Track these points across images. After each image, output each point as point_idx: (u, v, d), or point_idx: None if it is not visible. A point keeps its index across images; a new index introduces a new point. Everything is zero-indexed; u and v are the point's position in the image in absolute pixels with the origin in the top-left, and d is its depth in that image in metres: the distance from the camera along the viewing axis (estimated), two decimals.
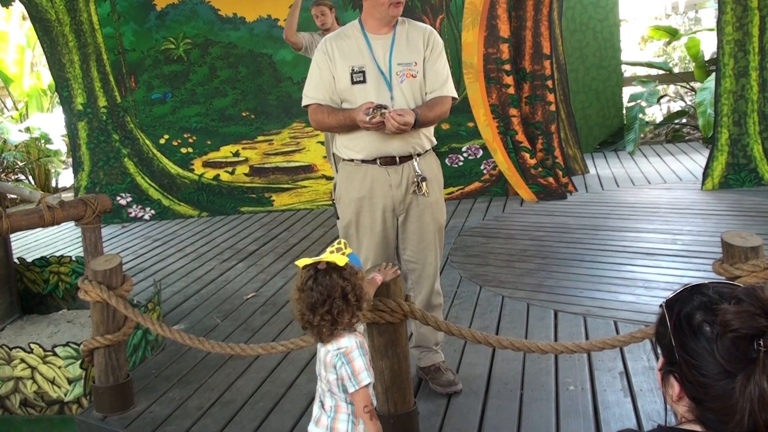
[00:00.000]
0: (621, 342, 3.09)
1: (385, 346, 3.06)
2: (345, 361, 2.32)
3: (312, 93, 3.48)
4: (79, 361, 3.82)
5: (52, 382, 3.87)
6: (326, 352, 2.37)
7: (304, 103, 3.51)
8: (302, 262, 2.32)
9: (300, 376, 3.94)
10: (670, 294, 1.41)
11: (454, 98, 3.56)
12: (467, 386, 3.62)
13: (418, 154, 3.47)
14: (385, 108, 3.23)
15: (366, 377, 2.32)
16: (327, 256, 2.31)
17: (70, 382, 3.86)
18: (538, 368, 3.76)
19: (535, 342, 3.13)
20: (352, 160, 3.48)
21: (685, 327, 1.33)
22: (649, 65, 11.95)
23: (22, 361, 3.88)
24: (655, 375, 3.52)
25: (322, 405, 2.45)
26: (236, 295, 5.45)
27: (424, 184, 3.46)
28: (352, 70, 3.39)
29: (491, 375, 3.75)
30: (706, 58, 10.90)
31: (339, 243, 2.38)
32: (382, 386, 3.09)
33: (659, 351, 1.41)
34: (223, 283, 5.76)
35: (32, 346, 3.88)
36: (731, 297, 1.33)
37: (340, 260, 2.31)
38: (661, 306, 1.39)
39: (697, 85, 10.89)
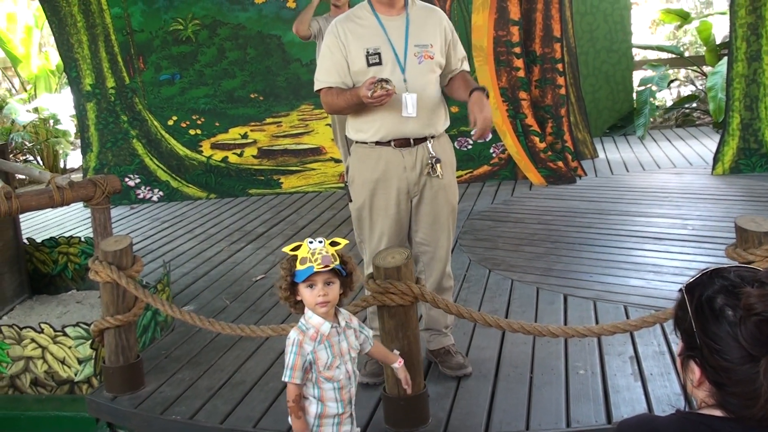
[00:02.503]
0: (632, 326, 3.09)
1: (396, 328, 3.06)
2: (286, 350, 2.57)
3: (324, 77, 3.45)
4: (89, 341, 3.83)
5: (63, 362, 3.88)
6: None
7: (316, 87, 3.49)
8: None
9: None
10: (689, 278, 1.40)
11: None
12: (477, 369, 3.62)
13: (433, 136, 3.45)
14: (388, 81, 3.19)
15: (286, 375, 2.52)
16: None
17: (80, 362, 3.86)
18: (547, 352, 3.76)
19: (546, 326, 3.12)
20: (365, 143, 3.46)
21: (707, 311, 1.31)
22: (660, 49, 11.87)
23: (33, 341, 3.89)
24: (666, 360, 3.52)
25: None
26: (245, 276, 5.45)
27: (438, 166, 3.44)
28: (368, 52, 3.36)
29: (501, 358, 3.75)
30: (718, 41, 10.81)
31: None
32: (393, 369, 3.09)
33: (678, 336, 1.39)
34: (232, 265, 5.76)
35: (42, 326, 3.89)
36: (753, 280, 1.31)
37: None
38: (680, 290, 1.38)
39: (708, 69, 10.81)
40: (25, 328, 3.91)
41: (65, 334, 3.85)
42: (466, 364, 3.61)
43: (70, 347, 3.86)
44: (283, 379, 2.52)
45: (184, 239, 6.69)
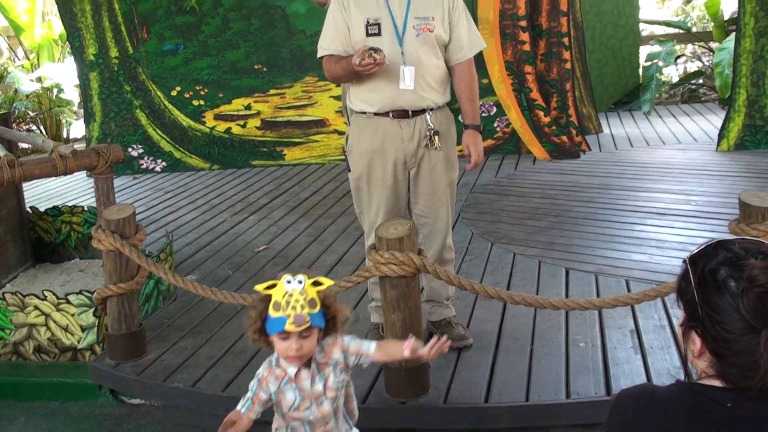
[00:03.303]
0: (634, 300, 3.09)
1: (397, 299, 3.06)
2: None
3: (327, 44, 3.45)
4: (92, 309, 3.84)
5: (65, 329, 3.89)
6: None
7: (319, 54, 3.48)
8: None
9: None
10: (693, 249, 1.39)
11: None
12: (478, 341, 3.64)
13: (431, 109, 3.44)
14: (377, 51, 3.18)
15: (242, 405, 2.31)
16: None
17: (83, 329, 3.88)
18: (548, 325, 3.77)
19: (548, 298, 3.13)
20: (364, 113, 3.46)
21: (710, 282, 1.31)
22: (667, 24, 11.77)
23: (36, 308, 3.90)
24: (666, 333, 3.53)
25: None
26: (247, 247, 5.46)
27: (436, 138, 3.43)
28: (368, 22, 3.35)
29: (502, 331, 3.76)
30: (726, 17, 10.72)
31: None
32: (394, 339, 3.10)
33: (681, 306, 1.39)
34: (235, 236, 5.77)
35: (45, 293, 3.90)
36: (758, 252, 1.31)
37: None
38: (684, 261, 1.38)
39: (715, 45, 10.74)
40: (28, 295, 3.92)
41: (68, 302, 3.86)
42: (467, 336, 3.62)
43: (73, 315, 3.88)
44: (237, 407, 2.31)
45: (186, 210, 6.70)
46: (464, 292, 3.91)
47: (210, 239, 5.72)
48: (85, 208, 5.30)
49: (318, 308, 2.15)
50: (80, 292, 3.89)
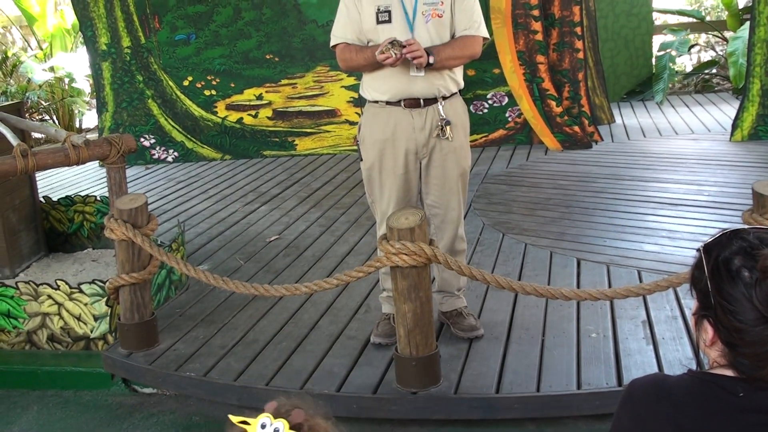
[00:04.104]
0: (645, 290, 3.08)
1: (408, 289, 3.06)
2: None
3: (340, 33, 3.44)
4: (105, 299, 3.86)
5: (78, 318, 3.92)
6: None
7: (332, 43, 3.49)
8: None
9: (322, 318, 3.97)
10: (707, 238, 1.39)
11: (485, 39, 3.50)
12: (489, 332, 3.63)
13: (444, 97, 3.43)
14: (401, 43, 3.19)
15: None
16: None
17: (95, 318, 3.91)
18: (559, 316, 3.76)
19: (559, 288, 3.12)
20: (377, 102, 3.46)
21: (723, 272, 1.31)
22: (681, 13, 11.67)
23: (49, 297, 3.93)
24: (678, 324, 3.52)
25: None
26: (259, 237, 5.47)
27: (448, 128, 3.42)
28: (378, 9, 3.35)
29: (513, 321, 3.76)
30: (740, 6, 10.63)
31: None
32: (405, 329, 3.11)
33: (694, 295, 1.39)
34: (246, 226, 5.78)
35: (58, 282, 3.92)
36: None
37: None
38: (698, 250, 1.37)
39: (729, 34, 10.65)
40: (41, 284, 3.95)
41: (81, 291, 3.89)
42: (478, 326, 3.62)
43: (86, 304, 3.90)
44: None
45: (198, 200, 6.71)
46: (475, 282, 3.92)
47: (222, 229, 5.74)
48: (98, 198, 5.32)
49: None
50: (93, 282, 3.91)
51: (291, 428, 1.63)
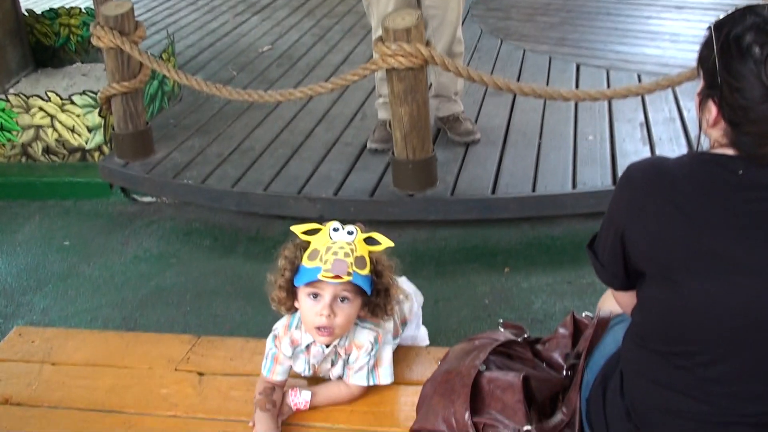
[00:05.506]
0: (646, 90, 3.05)
1: (405, 92, 3.01)
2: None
3: None
4: (97, 109, 3.82)
5: (72, 130, 3.89)
6: None
7: None
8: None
9: (318, 126, 3.94)
10: (720, 15, 1.33)
11: None
12: (485, 136, 3.62)
13: None
14: None
15: (264, 367, 1.77)
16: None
17: (89, 130, 3.88)
18: (556, 119, 3.73)
19: (558, 89, 3.08)
20: None
21: (733, 48, 1.26)
22: None
23: (41, 109, 3.88)
24: (676, 125, 3.51)
25: None
26: (251, 48, 5.34)
27: None
28: None
29: (510, 125, 3.74)
30: None
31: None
32: (401, 132, 3.09)
33: (700, 75, 1.35)
34: (238, 37, 5.62)
35: (49, 94, 3.87)
36: None
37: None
38: (708, 28, 1.31)
39: None
40: (31, 96, 3.89)
41: (73, 102, 3.84)
42: (475, 131, 3.60)
43: (78, 115, 3.86)
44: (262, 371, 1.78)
45: (187, 11, 6.47)
46: (473, 87, 3.88)
47: (212, 40, 5.59)
48: (83, 10, 5.14)
49: (366, 271, 1.66)
50: (84, 93, 3.85)
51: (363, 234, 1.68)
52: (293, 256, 1.68)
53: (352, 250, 1.64)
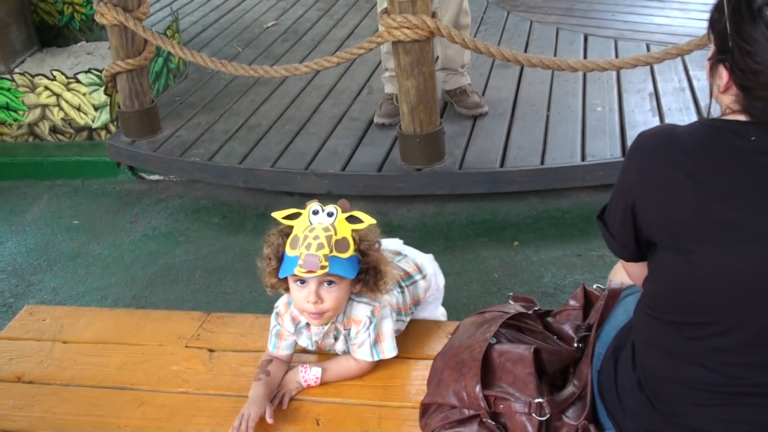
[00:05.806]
0: (655, 59, 3.00)
1: (411, 65, 2.99)
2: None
3: None
4: (103, 87, 3.80)
5: (78, 108, 3.88)
6: None
7: None
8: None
9: (324, 101, 3.92)
10: None
11: None
12: (493, 109, 3.59)
13: None
14: None
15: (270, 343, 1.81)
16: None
17: (96, 108, 3.87)
18: (565, 91, 3.71)
19: (566, 60, 3.04)
20: None
21: (745, 11, 1.23)
22: None
23: (46, 88, 3.87)
24: (685, 96, 3.47)
25: None
26: (256, 23, 5.31)
27: None
28: None
29: (517, 98, 3.71)
30: None
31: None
32: (408, 106, 3.07)
33: (711, 39, 1.32)
34: (242, 12, 5.59)
35: (54, 73, 3.86)
36: None
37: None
38: None
39: None
40: (37, 75, 3.88)
41: (78, 81, 3.83)
42: (482, 104, 3.57)
43: (84, 94, 3.85)
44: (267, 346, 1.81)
45: None
46: (479, 60, 3.85)
47: (216, 17, 5.55)
48: None
49: (350, 252, 1.63)
50: (89, 71, 3.84)
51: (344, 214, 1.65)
52: (277, 244, 1.68)
53: (330, 236, 1.61)
